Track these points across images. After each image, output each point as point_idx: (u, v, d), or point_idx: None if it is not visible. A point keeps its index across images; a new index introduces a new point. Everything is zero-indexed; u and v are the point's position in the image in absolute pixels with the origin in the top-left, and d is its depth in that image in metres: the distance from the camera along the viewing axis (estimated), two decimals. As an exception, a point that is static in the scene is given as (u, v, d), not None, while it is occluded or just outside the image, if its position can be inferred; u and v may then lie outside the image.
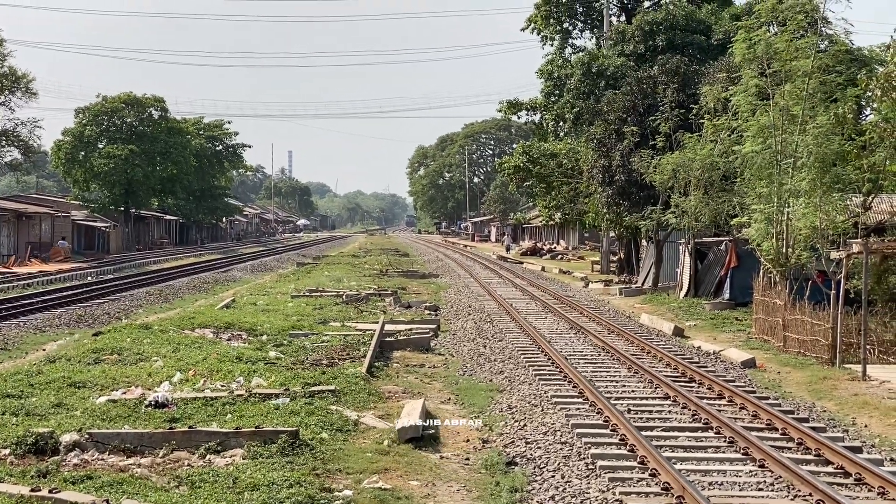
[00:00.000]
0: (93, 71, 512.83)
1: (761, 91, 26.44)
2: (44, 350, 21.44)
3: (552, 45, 58.63)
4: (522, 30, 59.17)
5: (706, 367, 20.17)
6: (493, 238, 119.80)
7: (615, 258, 54.66)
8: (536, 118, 61.49)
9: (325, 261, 65.42)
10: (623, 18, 56.22)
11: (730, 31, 41.80)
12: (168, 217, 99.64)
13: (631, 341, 24.01)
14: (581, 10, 58.78)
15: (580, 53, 55.11)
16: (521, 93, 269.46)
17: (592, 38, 59.07)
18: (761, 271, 26.64)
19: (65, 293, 36.57)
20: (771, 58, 25.86)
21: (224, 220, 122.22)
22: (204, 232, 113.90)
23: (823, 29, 26.81)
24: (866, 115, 30.22)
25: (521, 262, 67.83)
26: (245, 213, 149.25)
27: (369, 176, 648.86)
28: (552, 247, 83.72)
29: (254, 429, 12.30)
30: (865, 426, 15.03)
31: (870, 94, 24.38)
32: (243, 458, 11.50)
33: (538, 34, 58.75)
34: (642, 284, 42.40)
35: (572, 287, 45.16)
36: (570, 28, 59.43)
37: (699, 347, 23.92)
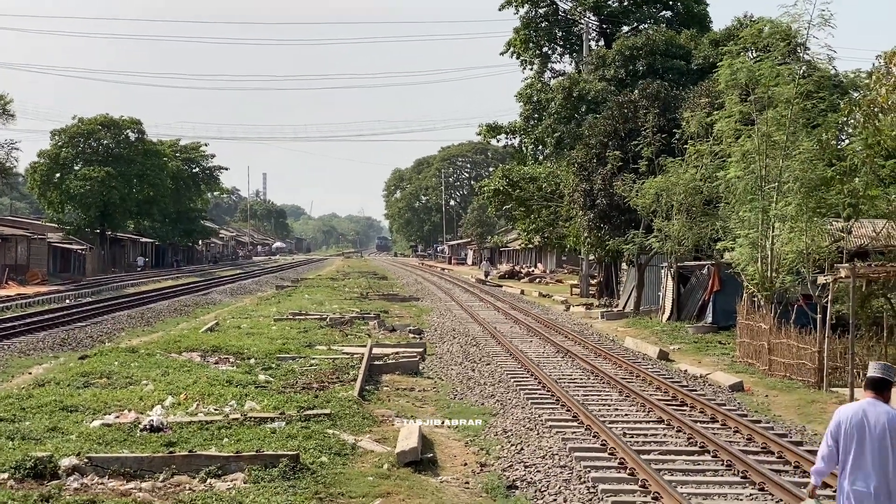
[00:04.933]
0: (69, 93, 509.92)
1: (745, 116, 26.68)
2: (30, 373, 21.22)
3: (531, 69, 59.08)
4: (502, 54, 59.67)
5: (695, 390, 20.25)
6: (469, 261, 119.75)
7: (594, 281, 54.76)
8: (516, 142, 61.80)
9: (304, 284, 65.27)
10: (602, 43, 56.65)
11: (709, 56, 42.27)
12: (144, 239, 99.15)
13: (618, 365, 24.07)
14: (560, 34, 59.19)
15: (560, 78, 55.50)
16: (500, 116, 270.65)
17: (572, 62, 59.46)
18: (744, 295, 26.76)
19: (45, 316, 36.29)
20: (754, 83, 26.10)
21: (200, 242, 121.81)
22: (180, 254, 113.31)
23: (805, 55, 27.08)
24: (845, 140, 30.48)
25: (500, 286, 67.89)
26: (221, 235, 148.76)
27: (344, 198, 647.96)
28: (530, 270, 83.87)
29: (254, 453, 12.26)
30: (858, 449, 15.11)
31: (852, 120, 24.66)
32: (245, 483, 11.46)
33: (517, 58, 59.19)
34: (623, 308, 42.52)
35: (553, 310, 45.24)
36: (550, 52, 59.90)
37: (686, 371, 24.00)
